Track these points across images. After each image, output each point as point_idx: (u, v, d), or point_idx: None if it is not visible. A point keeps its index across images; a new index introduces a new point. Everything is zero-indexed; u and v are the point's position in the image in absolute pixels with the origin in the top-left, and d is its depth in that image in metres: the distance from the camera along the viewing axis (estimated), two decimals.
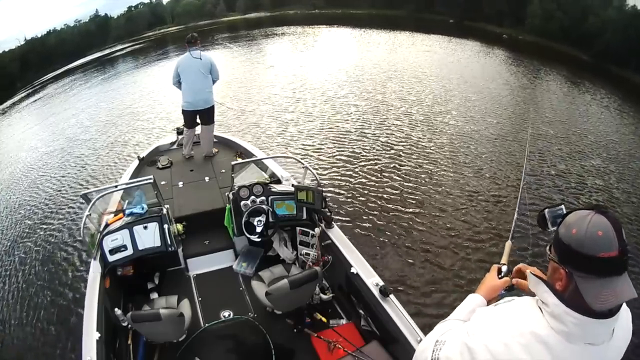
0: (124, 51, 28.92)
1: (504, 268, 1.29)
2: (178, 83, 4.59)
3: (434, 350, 1.01)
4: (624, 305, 0.94)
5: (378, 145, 7.24)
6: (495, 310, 1.01)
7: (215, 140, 5.13)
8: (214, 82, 4.67)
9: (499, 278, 1.27)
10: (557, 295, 0.89)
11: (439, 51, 16.52)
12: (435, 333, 1.12)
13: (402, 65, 13.71)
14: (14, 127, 13.10)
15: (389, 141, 7.43)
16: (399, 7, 30.43)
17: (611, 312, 0.87)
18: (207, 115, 4.67)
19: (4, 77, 26.42)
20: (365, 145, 7.24)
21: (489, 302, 1.22)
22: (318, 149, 7.17)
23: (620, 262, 0.82)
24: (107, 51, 31.26)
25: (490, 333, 0.93)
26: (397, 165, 6.48)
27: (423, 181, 6.02)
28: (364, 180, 6.04)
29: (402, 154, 6.90)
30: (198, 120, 4.73)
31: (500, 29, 21.91)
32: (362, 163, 6.56)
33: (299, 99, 10.24)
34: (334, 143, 7.36)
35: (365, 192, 5.72)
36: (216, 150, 4.82)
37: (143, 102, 11.81)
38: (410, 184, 5.93)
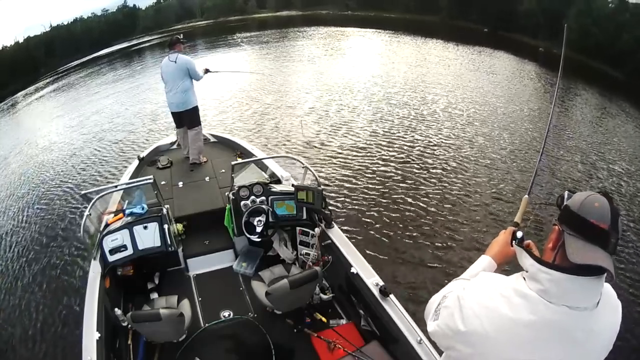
0: (152, 43, 28.51)
1: (519, 234, 1.25)
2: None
3: (439, 303, 1.14)
4: (614, 296, 1.02)
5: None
6: (491, 275, 1.14)
7: (214, 140, 5.13)
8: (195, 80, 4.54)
9: (514, 244, 1.25)
10: (534, 257, 1.00)
11: (481, 67, 14.94)
12: (446, 289, 1.23)
13: (454, 97, 10.58)
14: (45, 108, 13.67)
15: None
16: (433, 12, 29.50)
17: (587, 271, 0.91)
18: (187, 117, 4.60)
19: (29, 61, 26.62)
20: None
21: (498, 269, 1.28)
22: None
23: (607, 237, 0.89)
24: (134, 42, 30.95)
25: (479, 288, 1.06)
26: None
27: None
28: None
29: None
30: None
31: (535, 41, 21.06)
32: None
33: (343, 162, 6.69)
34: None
35: None
36: (205, 159, 4.61)
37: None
38: None
